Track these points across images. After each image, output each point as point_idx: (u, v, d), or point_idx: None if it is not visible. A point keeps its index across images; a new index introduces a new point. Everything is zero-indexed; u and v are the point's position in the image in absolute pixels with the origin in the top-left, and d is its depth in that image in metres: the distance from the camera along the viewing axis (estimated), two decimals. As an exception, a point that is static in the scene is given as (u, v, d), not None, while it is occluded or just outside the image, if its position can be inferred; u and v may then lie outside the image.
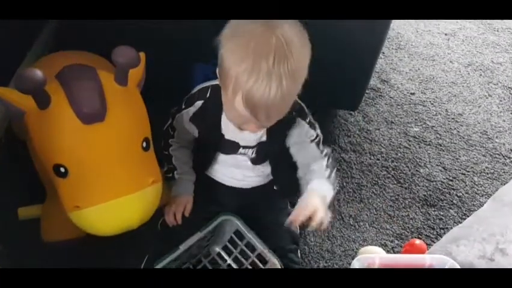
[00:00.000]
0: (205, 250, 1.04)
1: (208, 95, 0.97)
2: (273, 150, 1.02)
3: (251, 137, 0.97)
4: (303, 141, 1.01)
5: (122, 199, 0.82)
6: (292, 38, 0.80)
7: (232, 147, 1.00)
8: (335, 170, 1.02)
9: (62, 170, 0.82)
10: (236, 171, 1.06)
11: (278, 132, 0.98)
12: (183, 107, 1.00)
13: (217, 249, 1.04)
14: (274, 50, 0.78)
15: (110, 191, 0.82)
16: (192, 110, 0.99)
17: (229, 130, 0.98)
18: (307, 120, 1.00)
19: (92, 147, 0.81)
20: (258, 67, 0.78)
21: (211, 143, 1.02)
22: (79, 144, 0.81)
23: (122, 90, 0.85)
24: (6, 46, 1.02)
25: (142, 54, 0.88)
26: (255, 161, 1.03)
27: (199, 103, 0.98)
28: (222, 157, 1.04)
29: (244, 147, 1.00)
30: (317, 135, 1.02)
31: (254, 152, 1.01)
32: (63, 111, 0.80)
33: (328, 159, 1.02)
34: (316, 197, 0.94)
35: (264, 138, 0.99)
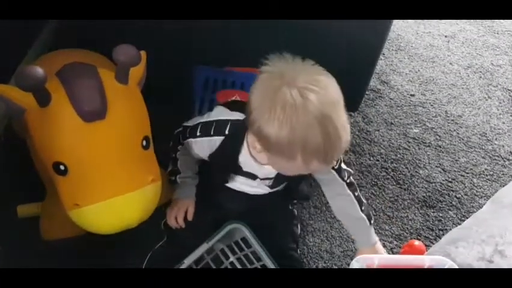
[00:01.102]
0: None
1: (227, 131, 0.93)
2: (292, 178, 0.98)
3: (271, 169, 0.94)
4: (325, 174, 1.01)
5: (122, 197, 0.82)
6: (313, 79, 0.81)
7: (250, 176, 0.99)
8: (365, 203, 1.04)
9: (62, 167, 0.82)
10: (247, 189, 1.04)
11: None
12: (198, 134, 0.95)
13: (221, 245, 1.03)
14: (321, 103, 0.79)
15: (109, 189, 0.82)
16: (208, 145, 0.95)
17: (247, 164, 0.96)
18: None
19: (92, 145, 0.81)
20: (327, 131, 0.78)
21: (227, 170, 1.00)
22: (79, 142, 0.81)
23: (122, 89, 0.85)
24: (6, 44, 1.02)
25: (143, 53, 0.88)
26: (273, 187, 1.02)
27: (217, 139, 0.93)
28: (237, 177, 1.02)
29: (263, 179, 0.99)
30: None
31: (272, 182, 1.00)
32: (63, 109, 0.80)
33: (355, 191, 1.02)
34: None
35: None
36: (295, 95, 0.77)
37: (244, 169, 0.96)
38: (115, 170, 0.83)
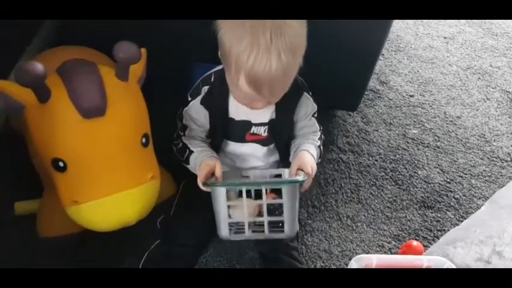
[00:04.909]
0: None
1: (212, 79, 0.98)
2: (283, 128, 1.04)
3: (263, 113, 0.98)
4: (307, 114, 1.05)
5: (121, 194, 0.82)
6: None
7: (244, 129, 1.01)
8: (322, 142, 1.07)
9: (61, 164, 0.81)
10: (243, 162, 1.06)
11: (286, 107, 1.00)
12: (189, 99, 1.00)
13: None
14: (270, 25, 0.81)
15: (108, 186, 0.82)
16: (200, 97, 0.99)
17: (239, 111, 0.98)
18: (310, 93, 1.03)
19: (92, 142, 0.81)
20: (257, 43, 0.80)
21: (220, 130, 1.02)
22: (78, 138, 0.81)
23: (122, 86, 0.85)
24: (6, 40, 1.02)
25: (143, 50, 0.88)
26: (266, 142, 1.04)
27: (205, 88, 0.98)
28: (230, 146, 1.04)
29: (257, 124, 1.01)
30: (316, 108, 1.06)
31: (266, 131, 1.02)
32: (63, 105, 0.80)
33: (321, 134, 1.07)
34: (310, 157, 0.98)
35: (274, 116, 1.00)
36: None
37: (237, 119, 0.99)
38: (114, 167, 0.83)
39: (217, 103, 0.98)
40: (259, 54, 0.81)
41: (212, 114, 1.00)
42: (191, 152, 0.98)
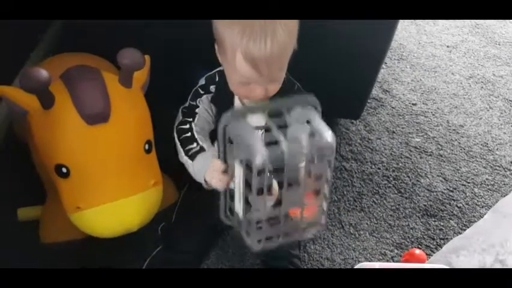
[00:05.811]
0: None
1: (217, 79, 0.99)
2: None
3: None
4: None
5: (124, 201, 0.82)
6: None
7: None
8: None
9: (64, 170, 0.82)
10: None
11: None
12: (202, 92, 1.00)
13: None
14: None
15: (111, 192, 0.82)
16: (210, 95, 0.99)
17: None
18: None
19: (95, 148, 0.81)
20: (251, 25, 0.82)
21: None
22: (81, 144, 0.81)
23: (126, 92, 0.86)
24: (10, 46, 1.02)
25: (147, 57, 0.89)
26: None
27: (212, 87, 0.99)
28: None
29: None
30: None
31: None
32: (67, 111, 0.81)
33: None
34: None
35: None
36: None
37: None
38: (117, 173, 0.83)
39: (224, 102, 0.98)
40: (253, 33, 0.82)
41: (220, 112, 1.00)
42: (202, 149, 0.92)
